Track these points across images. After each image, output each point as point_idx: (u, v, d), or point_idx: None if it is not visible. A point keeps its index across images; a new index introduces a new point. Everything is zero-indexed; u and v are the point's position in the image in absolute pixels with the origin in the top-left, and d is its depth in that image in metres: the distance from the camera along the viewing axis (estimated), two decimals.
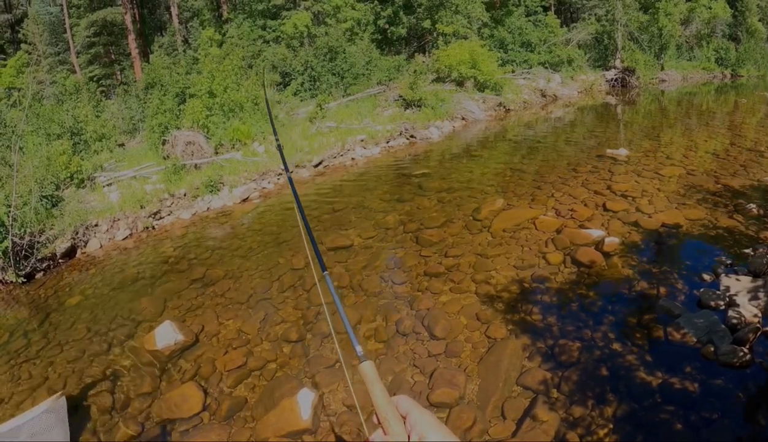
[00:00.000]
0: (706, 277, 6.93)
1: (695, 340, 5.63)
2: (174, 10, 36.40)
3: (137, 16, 37.02)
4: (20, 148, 12.74)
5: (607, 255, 7.88)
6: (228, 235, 11.67)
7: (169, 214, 13.41)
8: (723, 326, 5.73)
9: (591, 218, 9.40)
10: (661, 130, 17.34)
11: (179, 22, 36.64)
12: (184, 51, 32.06)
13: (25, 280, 10.35)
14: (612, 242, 8.20)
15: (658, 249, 8.11)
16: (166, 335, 7.23)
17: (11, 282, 10.18)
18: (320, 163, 16.55)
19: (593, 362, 5.58)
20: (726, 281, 6.62)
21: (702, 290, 6.58)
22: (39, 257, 10.74)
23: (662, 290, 6.82)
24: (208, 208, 13.68)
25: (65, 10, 36.83)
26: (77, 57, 37.57)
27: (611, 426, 4.68)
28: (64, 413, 3.37)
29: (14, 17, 41.58)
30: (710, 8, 30.05)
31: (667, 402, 4.86)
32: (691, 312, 6.13)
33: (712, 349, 5.42)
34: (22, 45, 37.58)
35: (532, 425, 4.81)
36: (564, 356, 5.72)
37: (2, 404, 6.45)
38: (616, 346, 5.79)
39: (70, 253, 11.53)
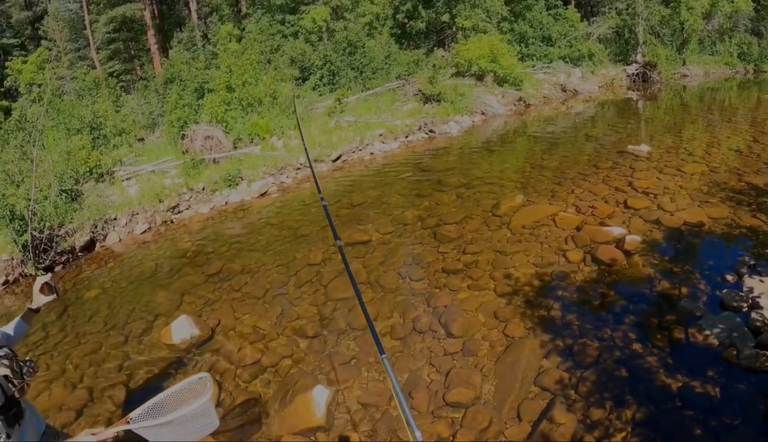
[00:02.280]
0: (729, 277, 6.77)
1: (717, 342, 5.51)
2: (193, 6, 36.55)
3: (156, 12, 37.18)
4: (41, 143, 12.84)
5: (627, 253, 7.75)
6: (246, 229, 11.69)
7: (187, 209, 13.47)
8: (746, 328, 5.61)
9: (612, 216, 9.27)
10: (683, 126, 17.07)
11: (198, 18, 36.77)
12: (203, 46, 32.14)
13: (44, 273, 10.44)
14: (633, 240, 8.07)
15: (680, 248, 7.96)
16: (182, 329, 7.25)
17: (31, 275, 10.28)
18: (339, 157, 16.52)
19: (612, 363, 5.49)
20: (749, 281, 6.47)
21: (725, 290, 6.44)
22: (58, 251, 10.83)
23: (684, 290, 6.69)
24: (226, 203, 13.72)
25: (85, 7, 37.14)
26: (97, 53, 37.90)
27: (629, 429, 4.59)
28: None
29: (34, 14, 41.99)
30: (732, 2, 29.41)
31: (687, 406, 4.77)
32: (713, 313, 6.01)
33: (735, 352, 5.30)
34: (43, 41, 37.96)
35: (549, 427, 4.74)
36: (583, 357, 5.63)
37: None
38: (636, 347, 5.69)
39: (89, 246, 11.62)
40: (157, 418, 3.32)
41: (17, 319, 3.64)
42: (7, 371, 3.11)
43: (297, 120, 8.45)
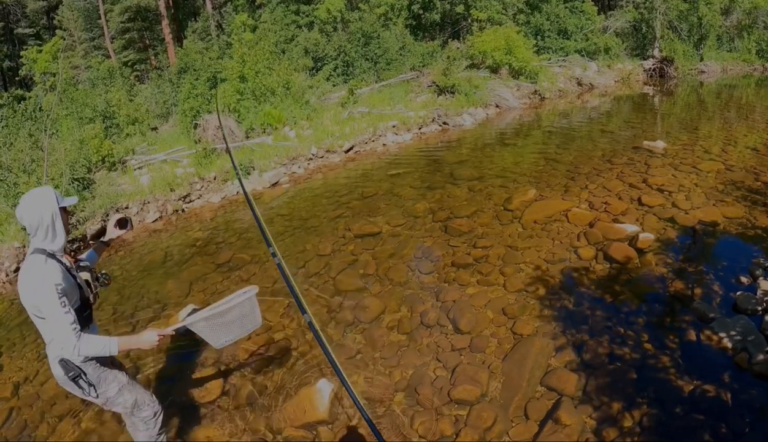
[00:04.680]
0: (743, 279, 6.64)
1: (729, 346, 5.39)
2: None
3: (171, 1, 37.26)
4: (54, 132, 12.86)
5: (640, 252, 7.64)
6: None
7: (198, 198, 13.48)
8: (759, 332, 5.47)
9: (625, 212, 9.14)
10: (699, 122, 16.87)
11: (213, 8, 36.82)
12: (218, 36, 32.20)
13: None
14: (646, 238, 7.94)
15: (694, 248, 7.83)
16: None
17: None
18: (351, 148, 16.49)
19: (622, 363, 5.40)
20: (764, 284, 6.32)
21: (738, 293, 6.29)
22: (69, 239, 10.84)
23: (697, 291, 6.57)
24: (237, 193, 13.71)
25: None
26: (111, 42, 38.09)
27: (637, 432, 4.51)
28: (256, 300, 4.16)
29: (49, 4, 42.30)
30: None
31: (696, 411, 4.68)
32: (726, 316, 5.88)
33: (747, 357, 5.18)
34: (58, 31, 38.17)
35: (555, 428, 4.66)
36: (591, 357, 5.55)
37: (27, 381, 6.54)
38: (647, 348, 5.59)
39: (102, 233, 11.64)
40: (208, 312, 3.92)
41: (90, 250, 4.37)
42: (88, 277, 3.87)
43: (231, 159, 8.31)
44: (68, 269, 3.64)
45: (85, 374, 3.74)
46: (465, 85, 21.38)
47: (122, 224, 4.27)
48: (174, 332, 3.88)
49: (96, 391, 3.83)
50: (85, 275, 3.84)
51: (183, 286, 8.65)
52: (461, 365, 5.69)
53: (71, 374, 3.67)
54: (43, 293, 3.38)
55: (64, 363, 3.64)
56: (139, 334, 3.81)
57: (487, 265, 7.94)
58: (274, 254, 4.18)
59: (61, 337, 3.43)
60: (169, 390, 5.84)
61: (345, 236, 9.78)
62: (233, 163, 6.21)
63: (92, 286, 3.89)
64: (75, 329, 3.44)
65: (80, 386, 3.76)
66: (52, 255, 3.53)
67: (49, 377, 6.48)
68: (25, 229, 3.70)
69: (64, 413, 5.75)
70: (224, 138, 8.96)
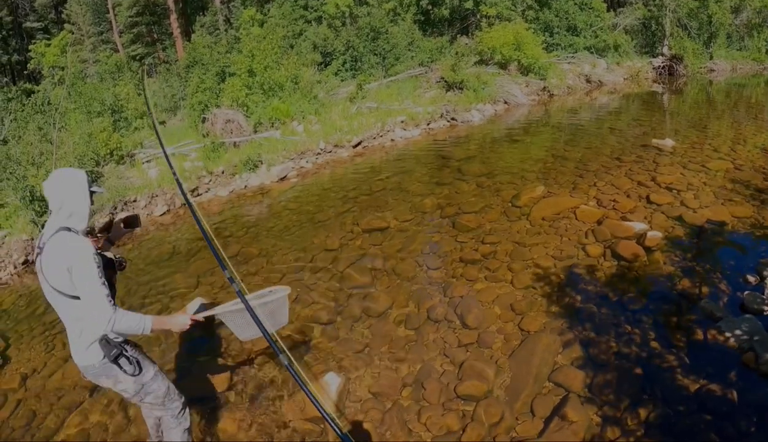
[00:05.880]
0: (751, 279, 6.60)
1: (736, 345, 5.37)
2: None
3: None
4: (63, 126, 12.90)
5: (648, 250, 7.61)
6: (264, 213, 11.71)
7: (206, 192, 13.52)
8: (766, 332, 5.44)
9: (633, 210, 9.11)
10: (708, 121, 16.78)
11: (221, 2, 36.84)
12: (226, 30, 32.24)
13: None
14: (654, 236, 7.91)
15: (702, 246, 7.80)
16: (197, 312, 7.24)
17: None
18: (359, 143, 16.52)
19: (628, 361, 5.40)
20: None
21: (746, 292, 6.26)
22: None
23: (704, 290, 6.55)
24: (245, 186, 13.76)
25: None
26: (120, 36, 38.22)
27: (643, 430, 4.51)
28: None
29: None
30: None
31: (702, 410, 4.67)
32: (733, 316, 5.85)
33: (754, 356, 5.15)
34: (66, 25, 38.30)
35: (561, 424, 4.66)
36: (598, 354, 5.55)
37: (35, 373, 6.58)
38: (653, 346, 5.58)
39: (108, 227, 11.64)
40: (238, 305, 4.03)
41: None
42: (112, 257, 3.89)
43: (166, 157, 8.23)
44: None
45: (126, 351, 3.67)
46: (473, 81, 21.35)
47: (128, 222, 4.26)
48: (204, 319, 3.96)
49: (140, 368, 3.74)
50: (110, 255, 3.88)
51: (190, 279, 8.67)
52: (468, 361, 5.70)
53: (113, 352, 3.57)
54: (81, 263, 3.32)
55: (105, 343, 3.56)
56: (172, 315, 3.90)
57: (494, 261, 7.93)
58: (231, 280, 4.00)
59: (97, 309, 3.33)
60: (176, 384, 5.84)
61: (353, 230, 9.80)
62: (171, 167, 6.20)
63: (114, 267, 3.90)
64: (111, 301, 3.38)
65: (122, 366, 3.63)
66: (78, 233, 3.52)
67: (56, 370, 6.54)
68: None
69: (71, 406, 5.79)
70: (159, 140, 8.87)
